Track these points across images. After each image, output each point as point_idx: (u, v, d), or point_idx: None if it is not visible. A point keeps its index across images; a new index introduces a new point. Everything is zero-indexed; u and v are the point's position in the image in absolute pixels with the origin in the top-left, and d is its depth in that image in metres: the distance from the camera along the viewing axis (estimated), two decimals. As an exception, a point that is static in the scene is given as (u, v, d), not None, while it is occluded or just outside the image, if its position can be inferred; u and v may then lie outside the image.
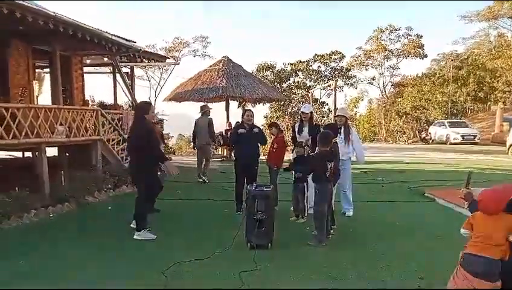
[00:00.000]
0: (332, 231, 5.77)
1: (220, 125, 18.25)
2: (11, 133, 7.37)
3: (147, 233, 5.68)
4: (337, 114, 7.18)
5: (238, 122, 7.48)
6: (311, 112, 7.34)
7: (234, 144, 7.61)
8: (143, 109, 5.90)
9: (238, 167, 7.23)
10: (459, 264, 3.27)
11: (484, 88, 33.18)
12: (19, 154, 11.18)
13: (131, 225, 5.93)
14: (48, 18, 7.72)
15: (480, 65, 33.03)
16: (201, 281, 4.19)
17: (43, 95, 12.11)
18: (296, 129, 7.26)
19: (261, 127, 7.86)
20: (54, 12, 7.85)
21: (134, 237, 5.64)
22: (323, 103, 33.03)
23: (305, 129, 7.08)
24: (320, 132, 6.00)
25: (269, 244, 5.12)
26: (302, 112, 7.29)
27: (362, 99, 39.80)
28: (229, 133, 15.08)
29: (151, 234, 5.70)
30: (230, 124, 16.03)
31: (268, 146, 8.04)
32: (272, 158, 7.42)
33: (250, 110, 7.66)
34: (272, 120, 31.42)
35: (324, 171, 5.36)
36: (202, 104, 12.73)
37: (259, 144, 7.47)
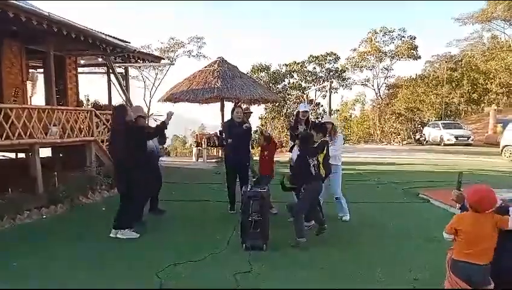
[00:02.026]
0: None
1: (215, 127, 18.28)
2: (4, 134, 7.31)
3: (131, 232, 5.72)
4: (324, 121, 7.12)
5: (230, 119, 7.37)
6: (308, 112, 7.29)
7: (226, 140, 7.51)
8: (121, 110, 5.92)
9: (228, 165, 7.21)
10: (449, 270, 3.25)
11: (478, 90, 33.43)
12: (12, 155, 11.08)
13: (111, 235, 5.73)
14: (42, 18, 7.66)
15: (473, 67, 33.29)
16: (195, 283, 4.17)
17: (37, 96, 12.02)
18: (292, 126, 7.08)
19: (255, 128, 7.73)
20: (48, 13, 7.79)
21: (118, 235, 5.65)
22: (318, 104, 33.05)
23: (301, 128, 6.93)
24: (301, 133, 6.00)
25: (264, 246, 5.11)
26: (303, 112, 7.14)
27: (359, 102, 39.90)
28: (223, 134, 15.07)
29: (134, 233, 5.73)
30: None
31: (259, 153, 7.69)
32: (264, 166, 7.16)
33: (240, 106, 7.52)
34: (267, 121, 31.48)
35: (308, 169, 5.39)
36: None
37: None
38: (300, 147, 5.69)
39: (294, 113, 7.82)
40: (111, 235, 5.69)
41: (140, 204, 6.14)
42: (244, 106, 13.27)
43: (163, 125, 6.10)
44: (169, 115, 6.04)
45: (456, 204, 3.62)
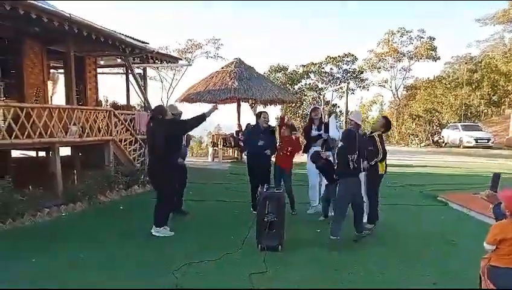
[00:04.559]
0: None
1: (231, 127, 18.33)
2: (25, 133, 7.47)
3: (165, 230, 5.83)
4: (349, 117, 7.05)
5: (249, 124, 7.39)
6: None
7: (245, 144, 7.48)
8: (159, 112, 5.96)
9: (250, 166, 7.23)
10: (485, 277, 3.13)
11: (498, 91, 32.75)
12: (33, 153, 11.31)
13: (153, 232, 5.80)
14: (63, 19, 7.81)
15: (494, 68, 32.60)
16: (210, 283, 4.19)
17: (57, 95, 12.25)
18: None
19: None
20: (69, 14, 7.94)
21: (153, 232, 5.76)
22: (334, 105, 32.87)
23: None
24: (344, 130, 6.04)
25: (280, 247, 5.10)
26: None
27: (376, 103, 39.49)
28: (239, 134, 15.13)
29: (168, 231, 5.85)
30: (240, 125, 16.07)
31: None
32: (284, 160, 7.11)
33: (265, 112, 7.49)
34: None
35: (346, 163, 5.35)
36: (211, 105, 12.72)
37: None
38: (342, 141, 5.68)
39: (309, 112, 7.73)
40: (151, 231, 5.81)
41: (171, 202, 6.21)
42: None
43: (203, 116, 6.04)
44: (213, 109, 6.16)
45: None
